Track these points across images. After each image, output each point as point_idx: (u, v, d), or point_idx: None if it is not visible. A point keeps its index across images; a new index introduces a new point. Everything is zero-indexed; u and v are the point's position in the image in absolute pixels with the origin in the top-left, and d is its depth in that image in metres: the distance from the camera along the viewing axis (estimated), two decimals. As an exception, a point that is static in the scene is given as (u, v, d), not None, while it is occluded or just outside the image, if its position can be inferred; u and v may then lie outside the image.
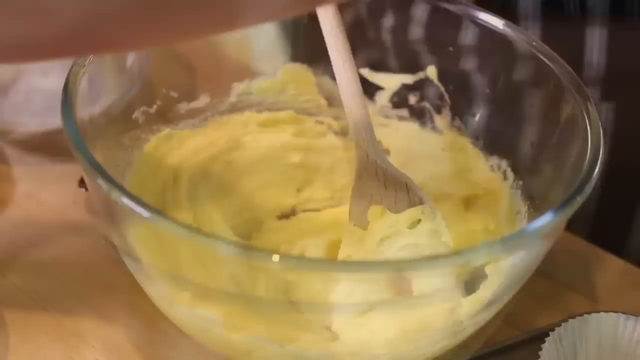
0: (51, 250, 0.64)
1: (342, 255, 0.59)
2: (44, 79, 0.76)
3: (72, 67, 0.54)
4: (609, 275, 0.66)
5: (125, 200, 0.46)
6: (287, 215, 0.67)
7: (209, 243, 0.45)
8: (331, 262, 0.50)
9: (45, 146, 0.72)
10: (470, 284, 0.53)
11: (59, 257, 0.64)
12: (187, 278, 0.52)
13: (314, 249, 0.60)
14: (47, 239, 0.65)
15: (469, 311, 0.52)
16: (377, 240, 0.57)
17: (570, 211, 0.49)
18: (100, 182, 0.47)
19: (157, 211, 0.45)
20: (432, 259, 0.47)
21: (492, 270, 0.51)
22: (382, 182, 0.58)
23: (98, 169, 0.48)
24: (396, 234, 0.57)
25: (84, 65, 0.55)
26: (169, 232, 0.45)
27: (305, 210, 0.67)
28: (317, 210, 0.67)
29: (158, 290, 0.53)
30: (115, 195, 0.47)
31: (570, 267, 0.66)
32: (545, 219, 0.48)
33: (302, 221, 0.66)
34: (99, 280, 0.62)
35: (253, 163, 0.66)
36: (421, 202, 0.57)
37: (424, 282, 0.50)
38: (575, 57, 0.66)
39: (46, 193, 0.69)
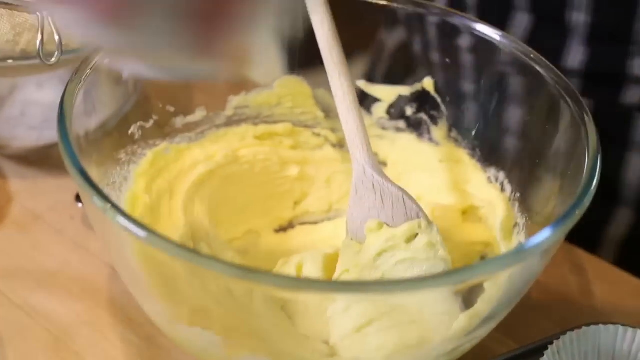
0: (49, 266, 0.64)
1: (339, 269, 0.59)
2: (39, 92, 0.76)
3: (68, 82, 0.54)
4: (606, 284, 0.66)
5: (121, 220, 0.46)
6: (284, 228, 0.67)
7: (206, 264, 0.44)
8: (326, 284, 0.49)
9: (42, 160, 0.72)
10: (467, 298, 0.53)
11: (56, 272, 0.64)
12: (184, 294, 0.51)
13: (311, 263, 0.60)
14: (44, 254, 0.65)
15: (466, 326, 0.52)
16: (374, 255, 0.57)
17: (569, 225, 0.49)
18: (96, 200, 0.47)
19: (153, 232, 0.45)
20: (429, 279, 0.46)
21: (490, 285, 0.51)
22: (379, 196, 0.58)
23: (93, 188, 0.48)
24: (393, 248, 0.57)
25: (80, 81, 0.55)
26: (165, 253, 0.45)
27: (302, 224, 0.67)
28: (315, 223, 0.67)
29: (156, 308, 0.53)
30: (111, 214, 0.47)
31: (568, 277, 0.66)
32: (544, 235, 0.48)
33: (299, 234, 0.66)
34: (97, 296, 0.62)
35: (250, 176, 0.66)
36: (418, 216, 0.57)
37: (421, 297, 0.50)
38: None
39: (43, 207, 0.69)
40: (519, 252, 0.48)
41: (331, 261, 0.61)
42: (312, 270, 0.60)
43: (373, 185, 0.58)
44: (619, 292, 0.66)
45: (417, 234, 0.56)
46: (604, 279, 0.67)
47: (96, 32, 0.39)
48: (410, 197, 0.57)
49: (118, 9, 0.37)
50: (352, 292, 0.45)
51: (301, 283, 0.46)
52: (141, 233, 0.45)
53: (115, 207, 0.46)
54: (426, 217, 0.57)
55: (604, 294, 0.65)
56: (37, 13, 0.60)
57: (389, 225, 0.57)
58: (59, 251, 0.66)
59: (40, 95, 0.75)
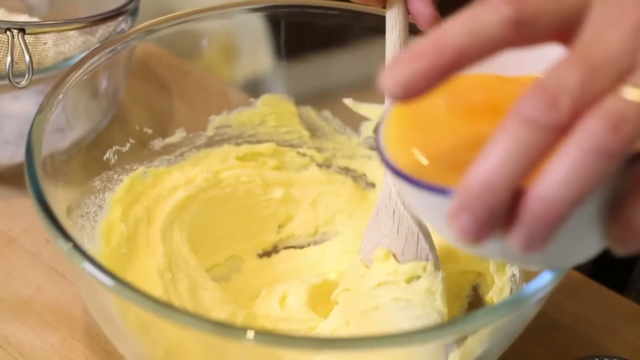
0: (23, 293, 0.62)
1: (342, 285, 0.57)
2: (15, 103, 0.73)
3: (36, 114, 0.52)
4: (602, 310, 0.64)
5: (88, 267, 0.44)
6: (268, 253, 0.65)
7: (179, 319, 0.42)
8: (309, 340, 0.47)
9: (17, 178, 0.69)
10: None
11: (31, 300, 0.62)
12: (159, 335, 0.49)
13: (296, 293, 0.58)
14: (18, 280, 0.63)
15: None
16: (375, 284, 0.55)
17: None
18: (62, 243, 0.45)
19: (123, 282, 0.43)
20: (420, 333, 0.44)
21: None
22: (396, 225, 0.56)
23: (59, 229, 0.46)
24: (393, 283, 0.55)
25: (53, 106, 0.53)
26: (136, 305, 0.43)
27: (287, 247, 0.65)
28: (300, 247, 0.65)
29: (131, 349, 0.51)
30: (77, 259, 0.44)
31: (563, 302, 0.64)
32: (542, 280, 0.45)
33: (284, 259, 0.64)
34: (72, 326, 0.60)
35: (232, 200, 0.64)
36: (427, 259, 0.55)
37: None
38: None
39: (17, 230, 0.66)
40: (514, 302, 0.46)
41: (316, 292, 0.59)
42: (296, 302, 0.58)
43: (394, 212, 0.56)
44: (615, 318, 0.63)
45: (419, 277, 0.54)
46: (599, 304, 0.64)
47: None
48: (427, 236, 0.55)
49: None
50: (332, 350, 0.43)
51: (281, 339, 0.43)
52: (109, 282, 0.43)
53: (81, 251, 0.44)
54: (436, 261, 0.55)
55: (600, 320, 0.63)
56: (7, 32, 0.58)
57: (396, 259, 0.55)
58: (33, 277, 0.63)
59: (15, 108, 0.72)
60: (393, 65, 0.38)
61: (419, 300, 0.54)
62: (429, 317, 0.53)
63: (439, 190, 0.40)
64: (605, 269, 0.72)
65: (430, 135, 0.44)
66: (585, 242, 0.41)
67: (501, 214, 0.37)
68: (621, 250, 0.40)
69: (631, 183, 0.38)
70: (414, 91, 0.38)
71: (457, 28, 0.38)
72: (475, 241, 0.38)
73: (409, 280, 0.54)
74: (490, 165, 0.37)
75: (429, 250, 0.55)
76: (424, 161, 0.42)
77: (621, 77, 0.37)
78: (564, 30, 0.39)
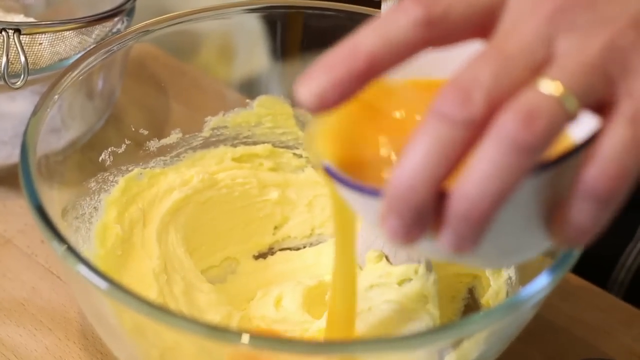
0: (18, 295, 0.62)
1: None
2: (11, 103, 0.72)
3: (32, 115, 0.51)
4: (598, 312, 0.64)
5: (82, 269, 0.44)
6: (264, 254, 0.65)
7: (174, 323, 0.42)
8: (303, 344, 0.47)
9: (12, 178, 0.69)
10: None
11: (26, 302, 0.61)
12: (154, 338, 0.49)
13: (291, 296, 0.58)
14: (13, 281, 0.63)
15: None
16: (367, 285, 0.55)
17: (567, 268, 0.46)
18: (56, 245, 0.45)
19: (117, 284, 0.43)
20: (416, 337, 0.44)
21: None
22: None
23: (54, 231, 0.45)
24: (384, 285, 0.55)
25: (48, 107, 0.53)
26: (131, 308, 0.43)
27: (283, 249, 0.65)
28: (296, 248, 0.65)
29: (126, 353, 0.50)
30: (71, 261, 0.44)
31: (559, 304, 0.64)
32: (540, 283, 0.45)
33: (279, 261, 0.64)
34: (67, 328, 0.60)
35: (228, 201, 0.64)
36: (419, 261, 0.54)
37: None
38: None
39: (13, 230, 0.66)
40: (511, 305, 0.45)
41: (312, 294, 0.59)
42: (292, 303, 0.58)
43: None
44: (611, 320, 0.63)
45: (411, 279, 0.54)
46: (595, 306, 0.64)
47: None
48: None
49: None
50: (325, 354, 0.43)
51: (277, 343, 0.43)
52: (103, 285, 0.43)
53: (75, 254, 0.44)
54: (428, 264, 0.55)
55: (595, 322, 0.63)
56: (2, 32, 0.58)
57: (388, 261, 0.55)
58: (28, 278, 0.63)
59: (12, 107, 0.72)
60: (307, 77, 0.38)
61: (410, 303, 0.54)
62: (420, 320, 0.53)
63: (370, 192, 0.39)
64: (587, 264, 0.73)
65: (362, 137, 0.43)
66: (527, 239, 0.40)
67: (428, 214, 0.37)
68: (565, 247, 0.40)
69: (570, 181, 0.37)
70: (329, 102, 0.38)
71: (369, 34, 0.38)
72: (406, 243, 0.37)
73: (400, 283, 0.54)
74: (411, 165, 0.36)
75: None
76: (356, 163, 0.42)
77: (537, 68, 0.36)
78: (483, 26, 0.39)
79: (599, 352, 0.60)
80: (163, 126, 0.63)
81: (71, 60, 0.60)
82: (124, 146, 0.61)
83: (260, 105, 0.65)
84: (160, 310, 0.43)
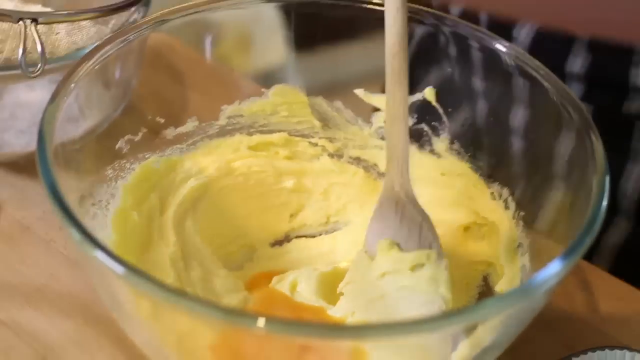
0: (36, 280, 0.62)
1: (347, 279, 0.57)
2: (30, 93, 0.73)
3: (48, 103, 0.52)
4: (614, 301, 0.64)
5: (99, 255, 0.44)
6: (280, 241, 0.65)
7: (191, 307, 0.42)
8: (319, 328, 0.47)
9: (31, 167, 0.69)
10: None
11: (44, 287, 0.62)
12: (171, 323, 0.49)
13: (306, 281, 0.58)
14: (32, 267, 0.63)
15: (467, 354, 0.50)
16: (379, 273, 0.56)
17: (579, 254, 0.46)
18: (73, 232, 0.45)
19: (134, 269, 0.43)
20: (428, 322, 0.44)
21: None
22: (398, 216, 0.56)
23: (71, 218, 0.46)
24: (397, 272, 0.55)
25: (65, 96, 0.53)
26: (148, 292, 0.43)
27: (299, 237, 0.65)
28: (312, 236, 0.65)
29: (143, 337, 0.51)
30: (88, 247, 0.45)
31: (575, 293, 0.64)
32: (552, 269, 0.45)
33: (295, 249, 0.64)
34: (85, 313, 0.60)
35: (244, 189, 0.64)
36: (430, 247, 0.55)
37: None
38: None
39: (32, 218, 0.67)
40: (524, 291, 0.46)
41: (326, 280, 0.59)
42: (307, 289, 0.58)
43: (396, 203, 0.56)
44: (627, 309, 0.63)
45: (423, 264, 0.54)
46: (611, 295, 0.64)
47: None
48: (430, 226, 0.56)
49: None
50: (345, 337, 0.43)
51: (293, 327, 0.43)
52: (120, 270, 0.44)
53: (92, 239, 0.45)
54: (439, 249, 0.55)
55: (611, 311, 0.63)
56: (20, 22, 0.58)
57: (400, 248, 0.55)
58: (47, 264, 0.64)
59: (30, 97, 0.73)
60: None
61: (423, 287, 0.54)
62: (433, 304, 0.53)
63: None
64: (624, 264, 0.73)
65: None
66: None
67: None
68: None
69: None
70: None
71: None
72: None
73: (413, 269, 0.54)
74: None
75: (432, 238, 0.55)
76: None
77: None
78: None
79: (614, 341, 0.60)
80: (179, 114, 0.63)
81: (88, 50, 0.61)
82: (140, 134, 0.61)
83: (276, 94, 0.66)
84: (176, 294, 0.43)
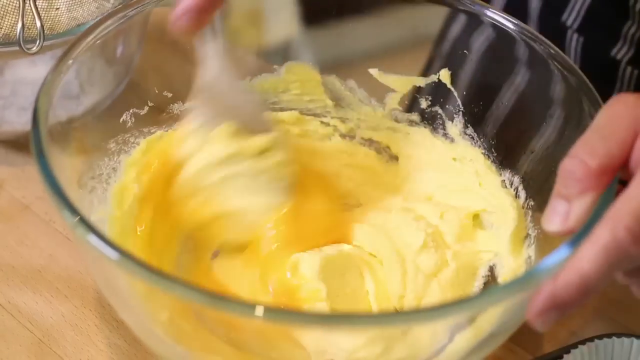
0: (35, 262, 0.61)
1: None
2: (31, 69, 0.71)
3: (43, 82, 0.50)
4: (622, 287, 0.62)
5: (92, 239, 0.43)
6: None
7: (184, 293, 0.41)
8: (318, 317, 0.46)
9: (31, 145, 0.68)
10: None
11: (43, 269, 0.61)
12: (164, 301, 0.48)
13: (309, 262, 0.57)
14: (31, 248, 0.62)
15: (470, 341, 0.49)
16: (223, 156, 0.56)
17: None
18: (66, 214, 0.44)
19: (127, 255, 0.42)
20: (431, 311, 0.43)
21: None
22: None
23: (64, 200, 0.44)
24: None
25: (62, 72, 0.51)
26: (141, 278, 0.42)
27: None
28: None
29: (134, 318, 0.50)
30: (81, 232, 0.43)
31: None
32: (558, 255, 0.44)
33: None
34: (83, 296, 0.59)
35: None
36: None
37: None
38: None
39: (32, 197, 0.65)
40: (529, 278, 0.44)
41: (328, 265, 0.57)
42: (309, 271, 0.56)
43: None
44: (634, 296, 0.62)
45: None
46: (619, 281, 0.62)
47: None
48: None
49: None
50: (335, 327, 0.42)
51: (291, 316, 0.42)
52: (114, 255, 0.42)
53: (86, 223, 0.43)
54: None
55: (619, 297, 0.61)
56: (19, -5, 0.56)
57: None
58: (46, 245, 0.62)
59: (32, 73, 0.71)
60: (544, 309, 0.42)
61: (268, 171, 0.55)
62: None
63: None
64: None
65: None
66: None
67: None
68: None
69: None
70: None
71: (601, 278, 0.43)
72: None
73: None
74: None
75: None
76: None
77: None
78: None
79: (622, 327, 0.59)
80: (187, 90, 0.61)
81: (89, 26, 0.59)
82: (146, 108, 0.59)
83: (289, 71, 0.64)
84: (171, 281, 0.41)
